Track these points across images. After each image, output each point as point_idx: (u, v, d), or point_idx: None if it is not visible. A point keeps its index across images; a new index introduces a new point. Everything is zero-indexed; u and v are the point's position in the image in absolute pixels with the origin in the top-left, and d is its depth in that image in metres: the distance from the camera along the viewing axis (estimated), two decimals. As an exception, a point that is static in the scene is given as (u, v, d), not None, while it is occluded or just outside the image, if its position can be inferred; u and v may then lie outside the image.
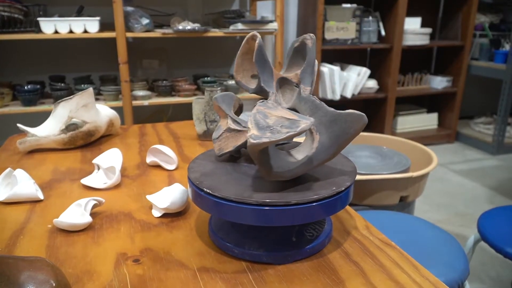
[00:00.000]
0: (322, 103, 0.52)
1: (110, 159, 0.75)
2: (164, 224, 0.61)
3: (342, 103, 3.20)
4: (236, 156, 0.60)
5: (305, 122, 0.45)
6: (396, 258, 0.52)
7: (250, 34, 0.55)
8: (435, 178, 2.62)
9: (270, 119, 0.47)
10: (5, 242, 0.56)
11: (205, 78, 2.49)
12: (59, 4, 2.44)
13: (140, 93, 2.34)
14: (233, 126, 0.57)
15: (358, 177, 1.39)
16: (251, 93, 0.58)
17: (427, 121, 3.33)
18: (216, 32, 2.31)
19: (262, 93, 0.57)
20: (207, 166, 0.57)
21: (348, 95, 2.87)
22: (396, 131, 3.22)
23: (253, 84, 0.58)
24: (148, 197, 0.63)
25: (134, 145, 0.96)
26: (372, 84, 2.97)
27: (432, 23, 3.36)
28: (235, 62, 0.57)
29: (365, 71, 2.88)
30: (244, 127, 0.56)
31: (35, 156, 0.89)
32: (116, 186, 0.74)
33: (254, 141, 0.43)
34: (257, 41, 0.53)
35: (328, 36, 2.76)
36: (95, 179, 0.74)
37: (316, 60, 0.59)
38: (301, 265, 0.51)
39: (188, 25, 2.25)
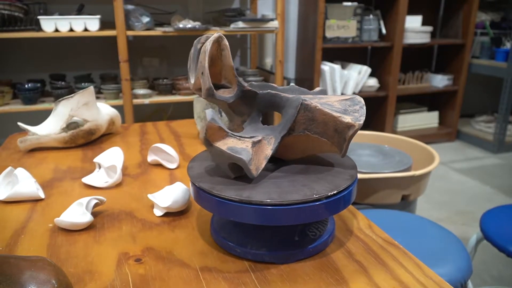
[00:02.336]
0: (303, 88, 0.57)
1: (111, 158, 0.74)
2: (166, 223, 0.60)
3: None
4: None
5: (358, 96, 0.53)
6: (400, 258, 0.52)
7: (217, 35, 0.50)
8: (436, 177, 2.62)
9: (336, 105, 0.51)
10: (6, 242, 0.55)
11: (206, 77, 2.48)
12: (60, 2, 2.43)
13: (141, 91, 2.33)
14: (256, 138, 0.51)
15: (359, 176, 1.39)
16: (230, 102, 0.53)
17: (428, 119, 3.33)
18: (216, 31, 2.31)
19: (242, 98, 0.54)
20: (208, 164, 0.56)
21: (349, 93, 2.87)
22: (397, 130, 3.21)
23: (226, 93, 0.53)
24: (150, 196, 0.63)
25: (135, 144, 0.96)
26: (373, 82, 2.97)
27: (433, 21, 3.35)
28: (206, 74, 0.50)
29: (365, 69, 2.87)
30: (253, 136, 0.52)
31: (36, 154, 0.88)
32: (118, 185, 0.73)
33: (361, 122, 0.50)
34: (226, 42, 0.51)
35: (329, 34, 2.75)
36: (96, 178, 0.74)
37: None
38: (304, 264, 0.50)
39: (189, 24, 2.25)
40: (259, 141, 0.51)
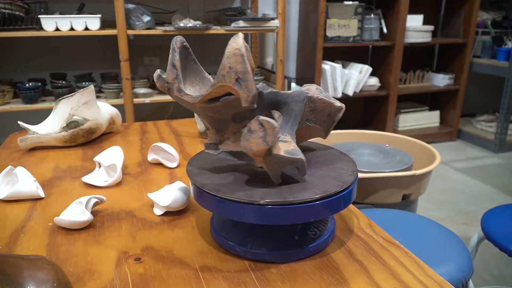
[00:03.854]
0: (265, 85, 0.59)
1: (111, 157, 0.74)
2: (166, 222, 0.60)
3: (344, 101, 3.19)
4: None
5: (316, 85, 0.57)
6: (400, 257, 0.51)
7: (242, 36, 0.47)
8: (437, 176, 2.61)
9: (319, 94, 0.55)
10: (6, 240, 0.55)
11: (207, 76, 2.48)
12: (60, 1, 2.43)
13: (141, 90, 2.33)
14: (286, 137, 0.51)
15: (360, 175, 1.39)
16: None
17: (429, 118, 3.32)
18: (217, 30, 2.31)
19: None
20: (207, 163, 0.56)
21: (350, 92, 2.86)
22: (398, 129, 3.21)
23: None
24: (150, 195, 0.63)
25: (135, 143, 0.96)
26: (374, 81, 2.96)
27: (434, 20, 3.35)
28: (250, 79, 0.45)
29: (366, 68, 2.87)
30: (279, 136, 0.51)
31: (36, 153, 0.88)
32: (117, 184, 0.73)
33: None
34: (246, 44, 0.49)
35: (330, 33, 2.75)
36: (96, 177, 0.74)
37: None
38: (304, 264, 0.50)
39: (190, 23, 2.25)
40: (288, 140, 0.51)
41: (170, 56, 0.49)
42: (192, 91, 0.51)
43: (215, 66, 2.85)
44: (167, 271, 0.49)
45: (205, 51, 2.80)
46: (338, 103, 0.54)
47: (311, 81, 2.80)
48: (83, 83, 2.26)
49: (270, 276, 0.48)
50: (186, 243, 0.55)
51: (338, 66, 2.79)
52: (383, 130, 3.09)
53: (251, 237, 0.52)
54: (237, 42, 0.45)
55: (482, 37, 3.23)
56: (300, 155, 0.48)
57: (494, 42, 3.11)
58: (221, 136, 0.53)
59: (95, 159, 0.74)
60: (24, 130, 1.00)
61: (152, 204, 0.66)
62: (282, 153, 0.47)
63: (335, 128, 3.13)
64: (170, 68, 0.48)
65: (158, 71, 0.50)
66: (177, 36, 0.49)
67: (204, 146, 0.54)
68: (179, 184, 0.63)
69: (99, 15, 2.10)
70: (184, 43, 0.49)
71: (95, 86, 2.30)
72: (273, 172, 0.49)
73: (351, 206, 0.65)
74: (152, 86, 2.51)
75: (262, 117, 0.44)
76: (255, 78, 2.56)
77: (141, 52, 2.67)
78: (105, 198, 0.63)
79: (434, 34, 3.32)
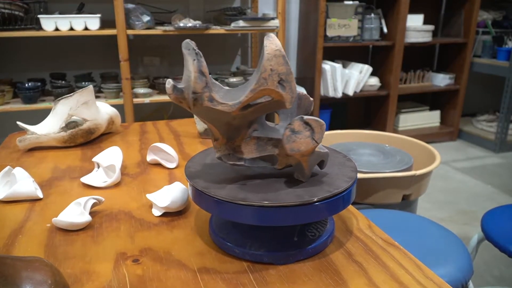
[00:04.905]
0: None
1: (110, 157, 0.74)
2: (164, 223, 0.60)
3: (344, 101, 3.19)
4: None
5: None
6: (400, 258, 0.51)
7: (273, 34, 0.45)
8: (437, 176, 2.61)
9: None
10: (4, 241, 0.55)
11: (207, 76, 2.47)
12: (60, 1, 2.43)
13: (141, 90, 2.33)
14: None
15: (360, 175, 1.38)
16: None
17: (430, 118, 3.32)
18: (217, 29, 2.30)
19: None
20: (206, 164, 0.56)
21: (350, 92, 2.86)
22: (398, 129, 3.20)
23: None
24: (148, 195, 0.63)
25: (134, 143, 0.96)
26: (374, 81, 2.96)
27: (434, 20, 3.34)
28: (293, 79, 0.43)
29: (367, 68, 2.86)
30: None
31: (35, 154, 0.88)
32: (116, 185, 0.73)
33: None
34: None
35: (330, 33, 2.74)
36: (95, 178, 0.73)
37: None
38: (303, 265, 0.50)
39: (189, 22, 2.24)
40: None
41: (193, 62, 0.44)
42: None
43: (215, 66, 2.84)
44: (165, 273, 0.49)
45: (205, 51, 2.80)
46: (311, 97, 0.56)
47: (312, 81, 2.80)
48: (83, 83, 2.26)
49: (268, 277, 0.48)
50: (184, 244, 0.54)
51: (338, 66, 2.79)
52: (383, 130, 3.09)
53: (249, 238, 0.52)
54: (275, 43, 0.43)
55: (483, 36, 3.22)
56: (326, 149, 0.50)
57: (494, 41, 3.10)
58: (232, 145, 0.51)
59: (94, 159, 0.74)
60: (23, 130, 1.00)
61: (150, 205, 0.65)
62: (318, 149, 0.49)
63: (335, 128, 3.13)
64: (197, 76, 0.44)
65: (170, 81, 0.45)
66: (188, 40, 0.45)
67: (222, 159, 0.51)
68: (178, 184, 0.63)
69: (99, 15, 2.10)
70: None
71: (94, 86, 2.30)
72: (310, 169, 0.50)
73: (350, 206, 0.65)
74: (152, 86, 2.51)
75: (306, 117, 0.45)
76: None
77: (141, 52, 2.67)
78: (103, 199, 0.63)
79: (434, 33, 3.31)
